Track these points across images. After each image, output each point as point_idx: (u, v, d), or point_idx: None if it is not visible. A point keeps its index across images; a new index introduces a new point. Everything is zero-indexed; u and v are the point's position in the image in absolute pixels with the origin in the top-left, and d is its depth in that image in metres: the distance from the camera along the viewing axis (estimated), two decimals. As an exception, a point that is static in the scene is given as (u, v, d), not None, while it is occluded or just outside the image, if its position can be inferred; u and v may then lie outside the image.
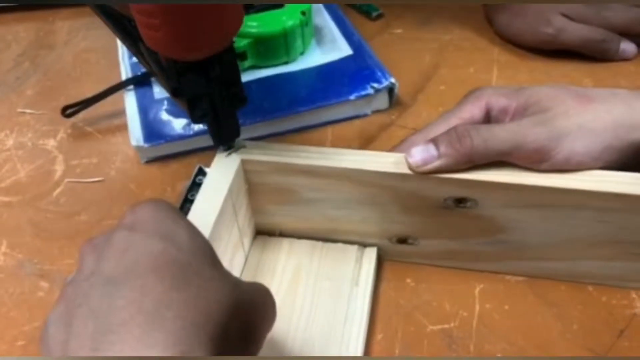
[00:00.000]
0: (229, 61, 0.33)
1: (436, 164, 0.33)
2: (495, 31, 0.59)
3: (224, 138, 0.36)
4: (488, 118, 0.37)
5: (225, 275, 0.26)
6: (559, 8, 0.54)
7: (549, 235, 0.36)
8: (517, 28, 0.56)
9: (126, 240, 0.25)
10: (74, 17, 0.67)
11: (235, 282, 0.26)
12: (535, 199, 0.34)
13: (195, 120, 0.35)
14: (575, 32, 0.53)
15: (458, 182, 0.34)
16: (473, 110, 0.37)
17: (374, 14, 0.62)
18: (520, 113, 0.35)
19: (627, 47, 0.54)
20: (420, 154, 0.34)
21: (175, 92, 0.33)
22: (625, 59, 0.54)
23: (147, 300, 0.22)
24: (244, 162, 0.37)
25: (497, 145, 0.33)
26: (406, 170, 0.35)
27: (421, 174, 0.34)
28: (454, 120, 0.37)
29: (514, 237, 0.37)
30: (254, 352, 0.27)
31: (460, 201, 0.35)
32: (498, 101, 0.36)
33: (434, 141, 0.34)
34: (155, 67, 0.34)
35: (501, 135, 0.33)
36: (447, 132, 0.34)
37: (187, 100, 0.34)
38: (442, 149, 0.33)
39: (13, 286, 0.41)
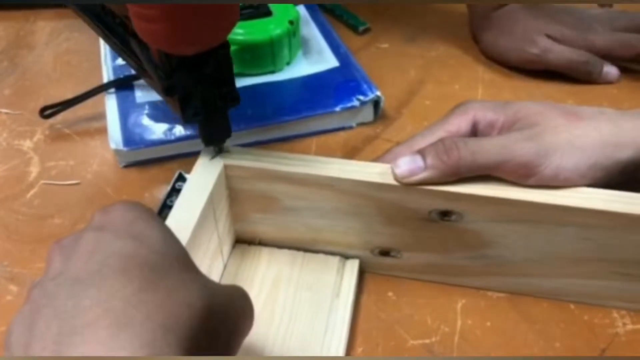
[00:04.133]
0: (223, 57, 0.32)
1: (422, 175, 0.33)
2: (481, 49, 0.59)
3: (215, 138, 0.36)
4: (475, 131, 0.37)
5: (199, 278, 0.25)
6: (544, 29, 0.54)
7: (532, 252, 0.36)
8: (503, 47, 0.57)
9: (95, 241, 0.24)
10: (56, 18, 0.65)
11: (209, 285, 0.25)
12: (520, 214, 0.34)
13: (187, 119, 0.34)
14: (559, 53, 0.54)
15: (444, 194, 0.34)
16: (460, 123, 0.37)
17: (361, 28, 0.62)
18: (508, 127, 0.35)
19: (611, 70, 0.54)
20: (407, 164, 0.33)
21: (168, 90, 0.32)
22: (609, 82, 0.55)
23: (114, 301, 0.21)
24: (226, 167, 0.36)
25: (484, 159, 0.32)
26: (391, 181, 0.34)
27: (406, 185, 0.34)
28: (440, 133, 0.37)
29: (497, 252, 0.36)
30: (228, 357, 0.25)
31: (445, 214, 0.35)
32: (485, 115, 0.36)
33: (421, 152, 0.34)
34: (147, 64, 0.33)
35: (489, 149, 0.33)
36: (435, 144, 0.34)
37: (179, 99, 0.33)
38: (429, 160, 0.33)
39: (-19, 288, 0.39)
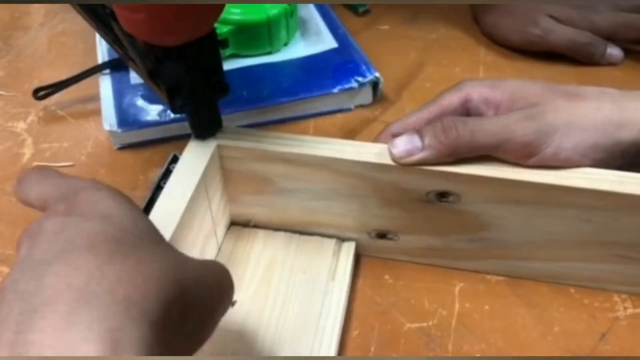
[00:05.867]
0: (210, 48, 0.31)
1: (420, 155, 0.32)
2: (482, 31, 0.58)
3: (205, 129, 0.35)
4: (467, 107, 0.36)
5: (170, 252, 0.24)
6: (547, 10, 0.53)
7: (532, 234, 0.35)
8: (505, 28, 0.56)
9: (61, 224, 0.23)
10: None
11: (181, 260, 0.24)
12: (520, 195, 0.33)
13: (175, 110, 0.33)
14: (561, 34, 0.53)
15: (441, 175, 0.33)
16: (452, 98, 0.36)
17: (361, 9, 0.61)
18: (507, 107, 0.34)
19: (614, 51, 0.53)
20: (404, 144, 0.32)
21: (153, 79, 0.31)
22: (612, 64, 0.54)
23: (77, 275, 0.21)
24: (220, 148, 0.35)
25: (484, 139, 0.32)
26: (388, 161, 0.33)
27: (404, 166, 0.33)
28: (433, 108, 0.36)
29: (496, 234, 0.36)
30: (203, 335, 0.25)
31: (442, 195, 0.34)
32: (480, 91, 0.35)
33: (419, 132, 0.33)
34: (133, 53, 0.32)
35: (489, 128, 0.32)
36: (433, 124, 0.33)
37: (166, 89, 0.32)
38: (427, 140, 0.32)
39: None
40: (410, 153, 0.32)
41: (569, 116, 0.32)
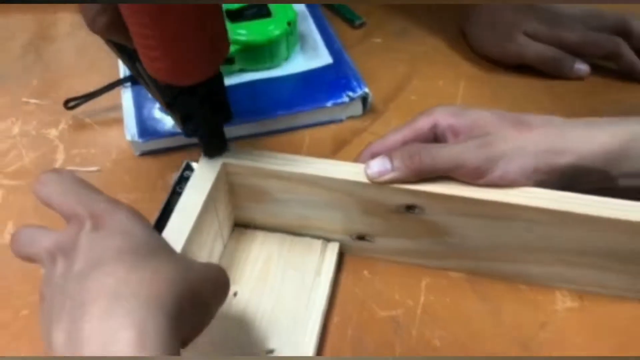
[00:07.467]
0: (217, 85, 0.38)
1: (390, 176, 0.39)
2: (467, 43, 0.64)
3: (213, 150, 0.42)
4: (435, 132, 0.42)
5: (178, 259, 0.32)
6: (523, 27, 0.59)
7: (485, 240, 0.42)
8: (486, 41, 0.61)
9: (92, 241, 0.31)
10: (77, 9, 0.71)
11: (187, 264, 0.32)
12: (472, 210, 0.40)
13: (187, 134, 0.40)
14: (534, 49, 0.58)
15: (408, 192, 0.40)
16: (423, 124, 0.43)
17: (357, 22, 0.67)
18: (466, 133, 0.40)
19: (581, 66, 0.59)
20: (377, 167, 0.39)
21: (168, 108, 0.38)
22: (579, 78, 0.59)
23: (109, 281, 0.28)
24: (225, 165, 0.42)
25: (442, 164, 0.38)
26: (365, 180, 0.40)
27: (377, 184, 0.40)
28: (406, 131, 0.43)
29: (456, 239, 0.42)
30: (206, 321, 0.32)
31: (410, 207, 0.41)
32: (446, 119, 0.42)
33: (390, 156, 0.39)
34: (153, 87, 0.39)
35: (446, 155, 0.38)
36: (401, 149, 0.39)
37: (180, 117, 0.39)
38: (396, 163, 0.39)
39: (18, 262, 0.46)
40: (381, 174, 0.39)
41: (515, 144, 0.39)
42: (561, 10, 0.60)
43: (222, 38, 0.36)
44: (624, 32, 0.58)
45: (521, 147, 0.39)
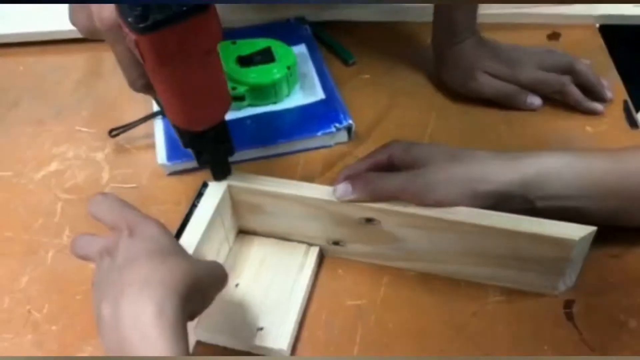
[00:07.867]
0: (222, 129, 0.51)
1: (351, 197, 0.51)
2: (440, 79, 0.75)
3: (220, 175, 0.55)
4: (391, 161, 0.54)
5: (189, 258, 0.45)
6: (483, 67, 0.70)
7: (431, 247, 0.54)
8: (455, 79, 0.72)
9: (130, 244, 0.43)
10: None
11: (195, 262, 0.45)
12: (418, 223, 0.51)
13: (200, 165, 0.53)
14: (492, 86, 0.69)
15: (367, 208, 0.52)
16: (382, 157, 0.55)
17: (350, 61, 0.79)
18: (410, 165, 0.52)
19: (534, 100, 0.70)
20: (341, 191, 0.51)
21: (186, 146, 0.51)
22: (533, 110, 0.70)
23: (142, 272, 0.40)
24: (229, 187, 0.55)
25: (389, 190, 0.50)
26: (334, 199, 0.53)
27: (344, 202, 0.52)
28: (369, 160, 0.55)
29: (409, 245, 0.54)
30: (207, 303, 0.44)
31: (369, 220, 0.53)
32: (398, 152, 0.54)
33: (351, 182, 0.51)
34: (175, 130, 0.52)
35: (392, 183, 0.51)
36: (360, 177, 0.52)
37: (195, 153, 0.52)
38: (355, 188, 0.51)
39: (74, 259, 0.60)
40: (344, 196, 0.51)
41: (446, 175, 0.50)
42: (517, 53, 0.71)
43: (225, 95, 0.49)
44: (570, 71, 0.69)
45: (451, 177, 0.50)
